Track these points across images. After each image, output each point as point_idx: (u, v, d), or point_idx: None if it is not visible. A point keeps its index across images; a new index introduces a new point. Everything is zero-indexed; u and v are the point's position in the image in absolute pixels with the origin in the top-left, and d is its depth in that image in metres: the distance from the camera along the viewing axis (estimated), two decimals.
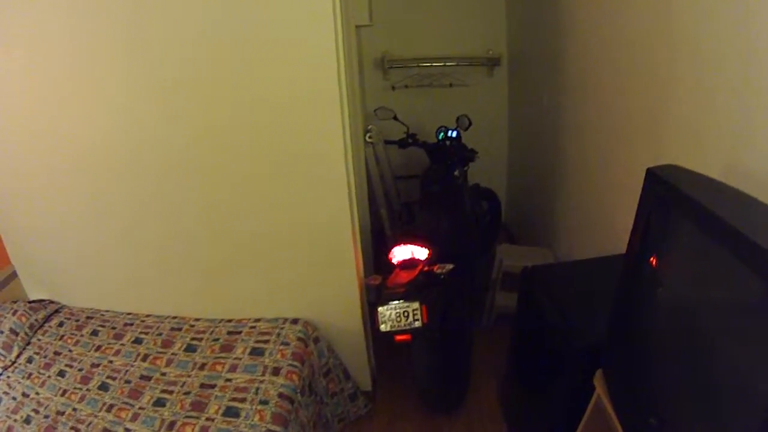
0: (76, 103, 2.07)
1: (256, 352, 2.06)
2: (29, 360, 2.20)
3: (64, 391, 2.01)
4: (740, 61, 1.33)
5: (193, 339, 2.20)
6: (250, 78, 1.93)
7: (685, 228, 1.08)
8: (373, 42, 3.73)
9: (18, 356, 2.23)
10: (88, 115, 2.08)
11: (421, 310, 2.02)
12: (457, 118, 3.04)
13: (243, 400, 1.83)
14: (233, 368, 2.00)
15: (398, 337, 2.06)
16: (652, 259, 1.19)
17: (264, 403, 1.81)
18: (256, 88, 1.94)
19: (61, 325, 2.39)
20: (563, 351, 1.62)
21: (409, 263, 2.22)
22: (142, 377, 2.03)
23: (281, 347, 2.07)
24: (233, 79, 1.94)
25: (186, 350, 2.14)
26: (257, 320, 2.27)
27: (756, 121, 1.29)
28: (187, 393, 1.91)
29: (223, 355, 2.08)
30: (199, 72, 1.94)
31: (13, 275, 2.59)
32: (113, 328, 2.33)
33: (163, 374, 2.03)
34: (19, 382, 2.09)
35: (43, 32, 1.97)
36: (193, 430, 1.73)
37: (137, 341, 2.23)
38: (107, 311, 2.49)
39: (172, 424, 1.77)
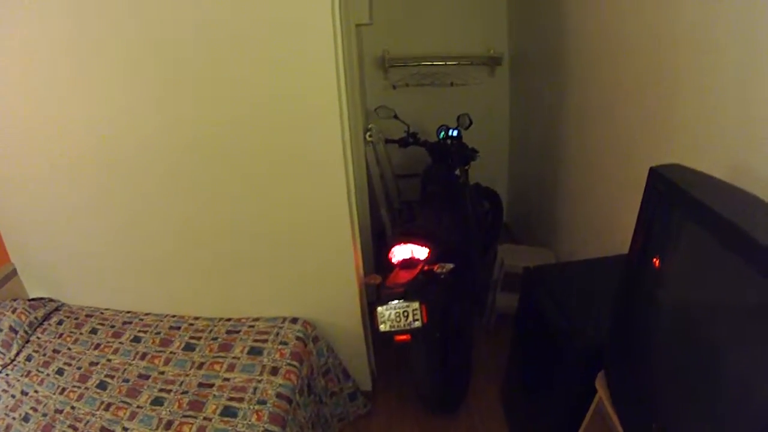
0: (76, 102, 2.06)
1: (254, 352, 2.05)
2: (28, 358, 2.20)
3: (63, 390, 2.00)
4: (744, 61, 1.32)
5: (191, 338, 2.19)
6: (248, 78, 1.92)
7: (688, 228, 1.07)
8: (374, 41, 3.71)
9: (17, 354, 2.22)
10: (89, 114, 2.08)
11: (420, 310, 2.00)
12: (458, 117, 3.03)
13: (241, 400, 1.82)
14: (231, 368, 1.99)
15: (398, 337, 2.05)
16: (654, 259, 1.18)
17: (262, 402, 1.80)
18: (254, 88, 1.93)
19: (60, 323, 2.39)
20: (565, 352, 1.61)
21: (409, 263, 2.20)
22: (140, 376, 2.02)
23: (280, 347, 2.06)
24: (232, 80, 1.93)
25: (184, 349, 2.14)
26: (256, 319, 2.26)
27: (760, 122, 1.28)
28: (185, 392, 1.90)
29: (221, 354, 2.07)
30: (198, 72, 1.94)
31: (13, 273, 2.58)
32: (112, 326, 2.33)
33: (162, 373, 2.03)
34: (18, 380, 2.08)
35: (45, 31, 1.96)
36: (190, 429, 1.72)
37: (136, 340, 2.22)
38: (106, 309, 2.48)
39: (169, 423, 1.76)
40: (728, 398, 0.93)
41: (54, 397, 1.97)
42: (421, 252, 2.19)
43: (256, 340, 2.12)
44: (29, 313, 2.36)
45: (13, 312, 2.32)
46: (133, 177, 2.15)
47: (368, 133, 2.98)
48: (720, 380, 0.95)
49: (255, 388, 1.87)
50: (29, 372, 2.12)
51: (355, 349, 2.39)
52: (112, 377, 2.03)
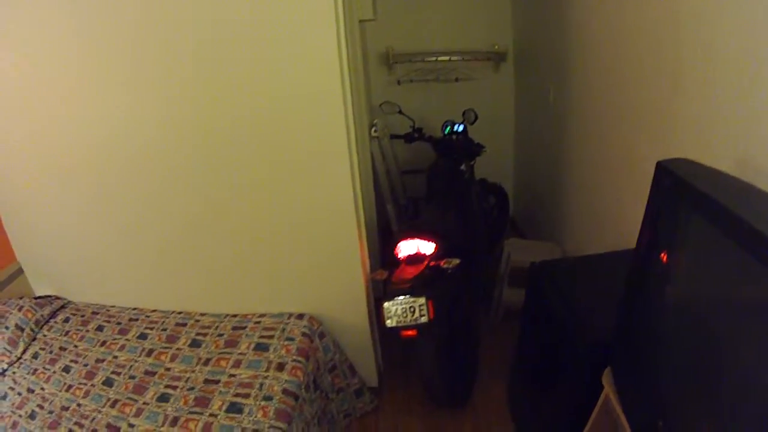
0: (80, 102, 2.07)
1: (260, 348, 2.05)
2: (35, 356, 2.20)
3: (69, 387, 2.01)
4: (749, 53, 1.30)
5: (197, 334, 2.20)
6: (252, 76, 1.92)
7: (696, 223, 1.05)
8: (378, 37, 3.70)
9: (24, 352, 2.23)
10: (93, 114, 2.08)
11: (427, 305, 2.00)
12: (464, 112, 3.02)
13: (247, 396, 1.82)
14: (237, 364, 1.99)
15: (404, 333, 2.04)
16: (662, 254, 1.16)
17: (268, 399, 1.80)
18: (258, 85, 1.93)
19: (66, 320, 2.40)
20: (571, 348, 1.60)
21: (415, 258, 2.20)
22: (146, 372, 2.02)
23: (286, 343, 2.06)
24: (235, 77, 1.93)
25: (191, 345, 2.14)
26: (262, 315, 2.26)
27: (766, 115, 1.26)
28: (191, 388, 1.90)
29: (227, 350, 2.07)
30: (202, 70, 1.94)
31: (19, 272, 2.60)
32: (118, 323, 2.33)
33: (168, 369, 2.03)
34: (25, 378, 2.09)
35: (48, 33, 1.97)
36: (196, 425, 1.72)
37: (142, 336, 2.23)
38: (112, 307, 2.49)
39: (175, 419, 1.76)
40: (735, 396, 0.92)
41: (60, 394, 1.98)
42: (427, 247, 2.18)
43: (262, 336, 2.12)
44: (35, 311, 2.36)
45: (20, 310, 2.33)
46: (137, 175, 2.15)
47: (373, 129, 2.98)
48: (727, 377, 0.94)
49: (261, 384, 1.87)
50: (36, 369, 2.12)
51: (361, 345, 2.38)
52: (119, 374, 2.03)
